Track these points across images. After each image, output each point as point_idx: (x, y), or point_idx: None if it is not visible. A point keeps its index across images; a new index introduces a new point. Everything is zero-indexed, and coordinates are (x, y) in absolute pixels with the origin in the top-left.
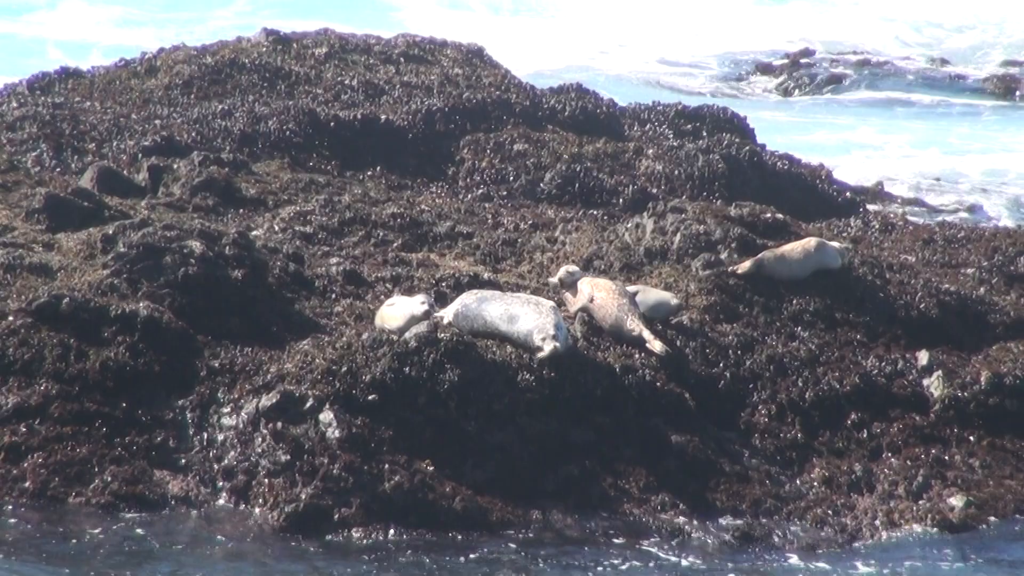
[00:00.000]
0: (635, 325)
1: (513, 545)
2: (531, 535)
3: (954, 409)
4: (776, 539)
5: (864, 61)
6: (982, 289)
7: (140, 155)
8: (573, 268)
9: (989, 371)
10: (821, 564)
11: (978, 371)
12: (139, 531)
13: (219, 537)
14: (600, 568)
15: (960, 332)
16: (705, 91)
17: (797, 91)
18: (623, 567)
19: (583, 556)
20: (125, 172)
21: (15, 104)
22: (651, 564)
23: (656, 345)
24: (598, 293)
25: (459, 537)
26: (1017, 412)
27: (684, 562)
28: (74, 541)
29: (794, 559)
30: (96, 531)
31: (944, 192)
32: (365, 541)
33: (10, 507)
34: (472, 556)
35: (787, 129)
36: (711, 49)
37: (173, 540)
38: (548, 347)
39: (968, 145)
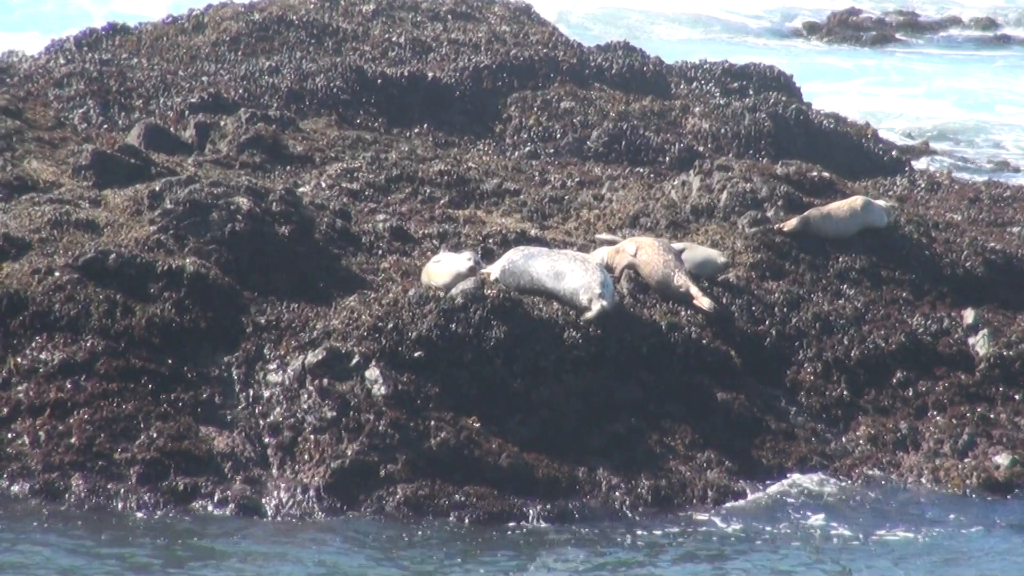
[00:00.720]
0: (682, 281)
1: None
2: (576, 495)
3: (999, 367)
4: (820, 496)
5: (911, 18)
6: None
7: (187, 112)
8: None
9: None
10: (864, 521)
11: (1023, 330)
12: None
13: (266, 494)
14: (643, 531)
15: (1006, 290)
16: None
17: (845, 45)
18: (669, 529)
19: (629, 520)
20: (172, 129)
21: (62, 61)
22: (695, 526)
23: (704, 301)
24: (642, 252)
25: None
26: None
27: (728, 524)
28: (120, 498)
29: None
30: (143, 487)
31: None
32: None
33: (56, 462)
34: (513, 522)
35: (835, 85)
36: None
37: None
38: (596, 307)
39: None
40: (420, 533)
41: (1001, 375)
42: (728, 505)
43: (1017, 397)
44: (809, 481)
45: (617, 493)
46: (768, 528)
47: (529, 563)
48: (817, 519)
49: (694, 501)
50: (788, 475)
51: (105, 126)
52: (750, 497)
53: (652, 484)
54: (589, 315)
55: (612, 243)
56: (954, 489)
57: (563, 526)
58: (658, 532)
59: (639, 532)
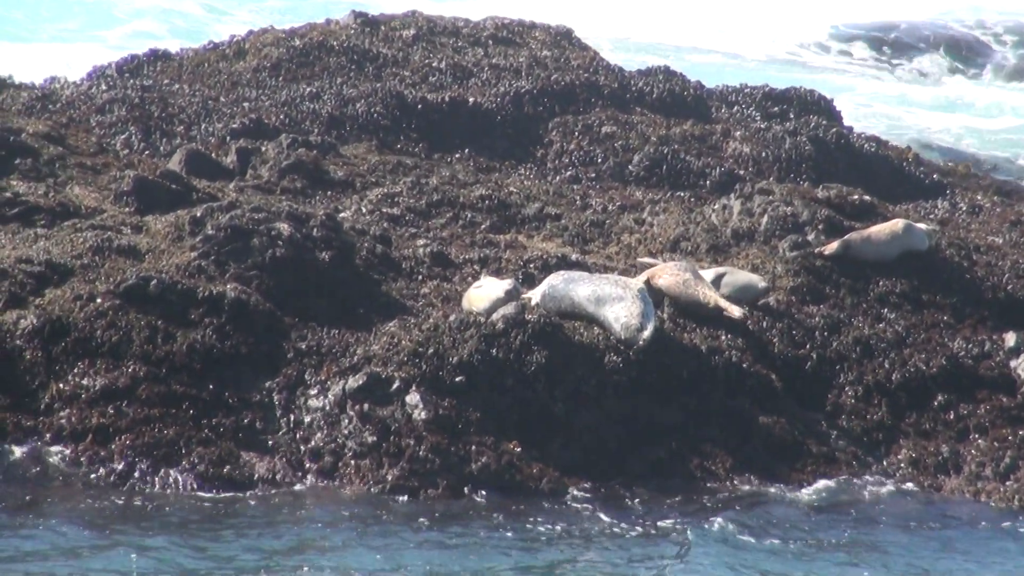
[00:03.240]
0: (707, 294)
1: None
2: (614, 508)
3: None
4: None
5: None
6: None
7: (228, 138)
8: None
9: None
10: (905, 540)
11: None
12: (227, 510)
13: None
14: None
15: None
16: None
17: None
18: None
19: (666, 528)
20: (213, 155)
21: (104, 87)
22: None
23: (734, 311)
24: (659, 279)
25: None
26: None
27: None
28: (162, 519)
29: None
30: (185, 510)
31: None
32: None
33: (99, 487)
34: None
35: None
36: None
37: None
38: (639, 341)
39: None
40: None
41: None
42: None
43: None
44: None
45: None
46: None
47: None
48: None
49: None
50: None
51: (147, 152)
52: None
53: (691, 507)
54: (633, 347)
55: (652, 267)
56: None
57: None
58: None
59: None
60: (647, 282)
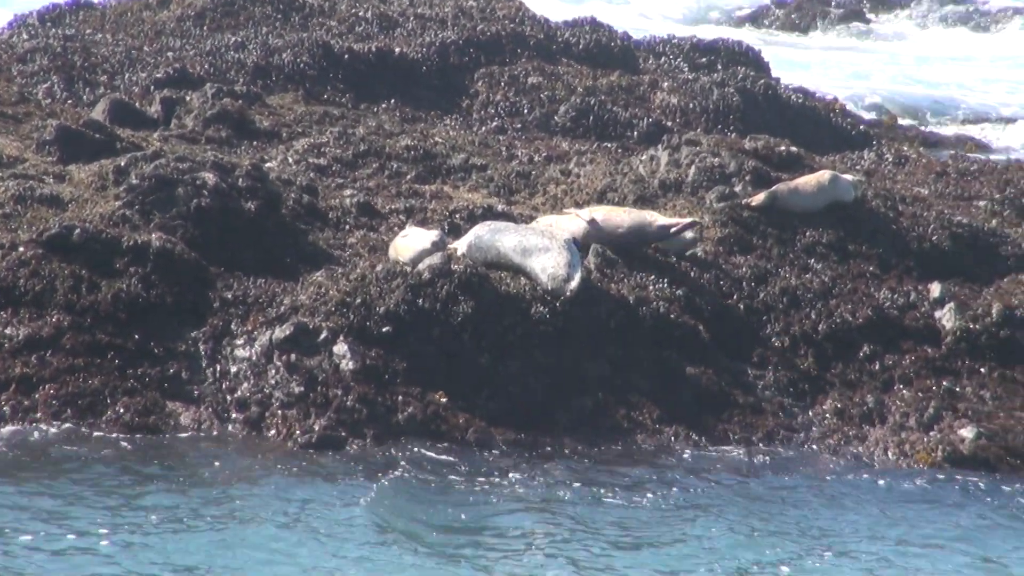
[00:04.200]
0: (654, 217)
1: (524, 465)
2: (543, 465)
3: (966, 341)
4: (787, 469)
5: None
6: (994, 221)
7: (153, 87)
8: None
9: (1001, 303)
10: (831, 493)
11: (990, 303)
12: (154, 459)
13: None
14: (611, 491)
15: (972, 264)
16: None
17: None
18: (634, 491)
19: (594, 479)
20: (137, 104)
21: (26, 36)
22: (661, 492)
23: (683, 221)
24: (598, 213)
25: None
26: None
27: (695, 491)
28: (86, 470)
29: (804, 489)
30: (109, 459)
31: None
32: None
33: (22, 438)
34: (481, 474)
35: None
36: None
37: (187, 467)
38: (566, 292)
39: None
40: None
41: (967, 349)
42: (694, 473)
43: (983, 371)
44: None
45: (584, 463)
46: (733, 496)
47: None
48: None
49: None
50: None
51: (69, 102)
52: (715, 468)
53: (619, 454)
54: (559, 297)
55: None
56: (919, 464)
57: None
58: (623, 502)
59: (607, 501)
60: (591, 221)
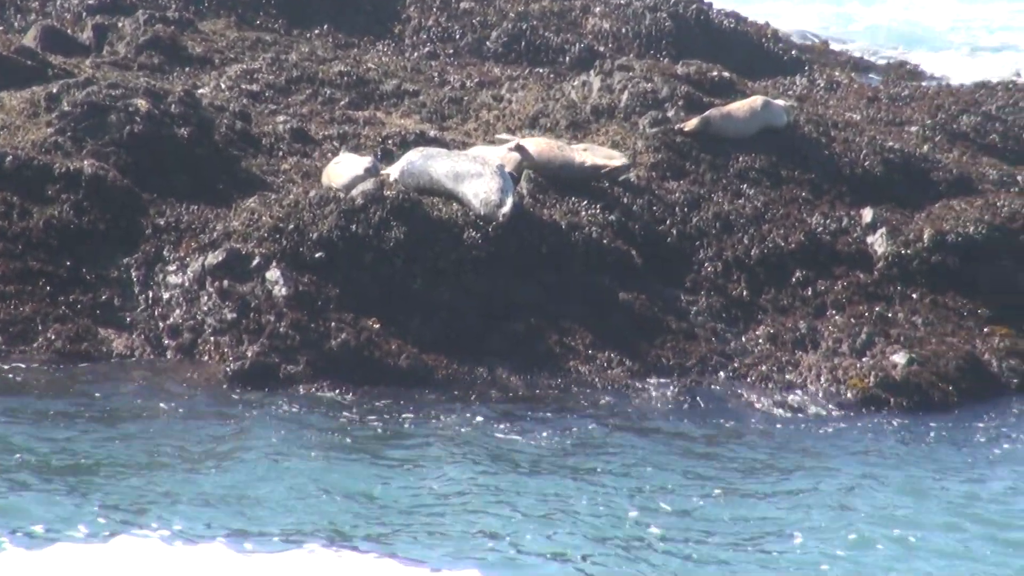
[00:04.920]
0: (583, 156)
1: (458, 404)
2: (476, 393)
3: (897, 267)
4: (721, 395)
5: None
6: (926, 147)
7: (84, 14)
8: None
9: (932, 228)
10: (763, 422)
11: (921, 229)
12: (86, 385)
13: (167, 390)
14: (545, 428)
15: (904, 190)
16: None
17: None
18: (569, 424)
19: (528, 414)
20: (69, 31)
21: None
22: (596, 422)
23: (615, 160)
24: (530, 145)
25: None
26: (959, 270)
27: (628, 419)
28: (19, 396)
29: (738, 416)
30: (43, 385)
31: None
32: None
33: None
34: (417, 415)
35: None
36: None
37: (121, 393)
38: (498, 217)
39: None
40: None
41: (899, 274)
42: (628, 403)
43: (915, 296)
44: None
45: (518, 392)
46: (667, 426)
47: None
48: (719, 418)
49: (596, 400)
50: (689, 374)
51: (0, 28)
52: (649, 395)
53: (552, 383)
54: (491, 223)
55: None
56: (852, 390)
57: (462, 420)
58: (556, 428)
59: (539, 429)
60: (518, 146)
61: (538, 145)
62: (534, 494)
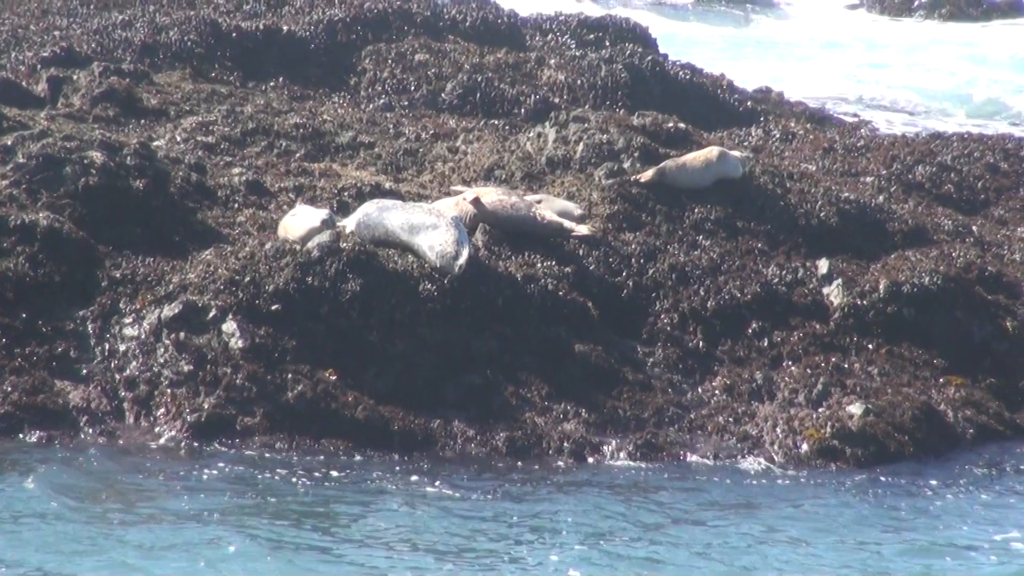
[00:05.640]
0: (543, 215)
1: (414, 457)
2: (432, 446)
3: (853, 317)
4: (678, 448)
5: None
6: (881, 197)
7: (39, 66)
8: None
9: (887, 279)
10: (723, 473)
11: (877, 279)
12: (42, 440)
13: (121, 444)
14: (501, 484)
15: (859, 240)
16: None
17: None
18: (525, 483)
19: (484, 471)
20: (24, 83)
21: None
22: (553, 478)
23: (581, 228)
24: (487, 197)
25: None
26: (915, 320)
27: (586, 474)
28: None
29: (696, 468)
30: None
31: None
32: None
33: None
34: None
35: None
36: None
37: (77, 449)
38: (454, 269)
39: None
40: (276, 480)
41: (855, 325)
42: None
43: (870, 347)
44: (666, 432)
45: (472, 445)
46: (629, 479)
47: (382, 510)
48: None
49: (550, 453)
50: (645, 426)
51: None
52: (606, 449)
53: (508, 436)
54: (447, 275)
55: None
56: (808, 440)
57: (419, 477)
58: (514, 482)
59: (495, 482)
60: (475, 200)
61: (493, 197)
62: (484, 550)
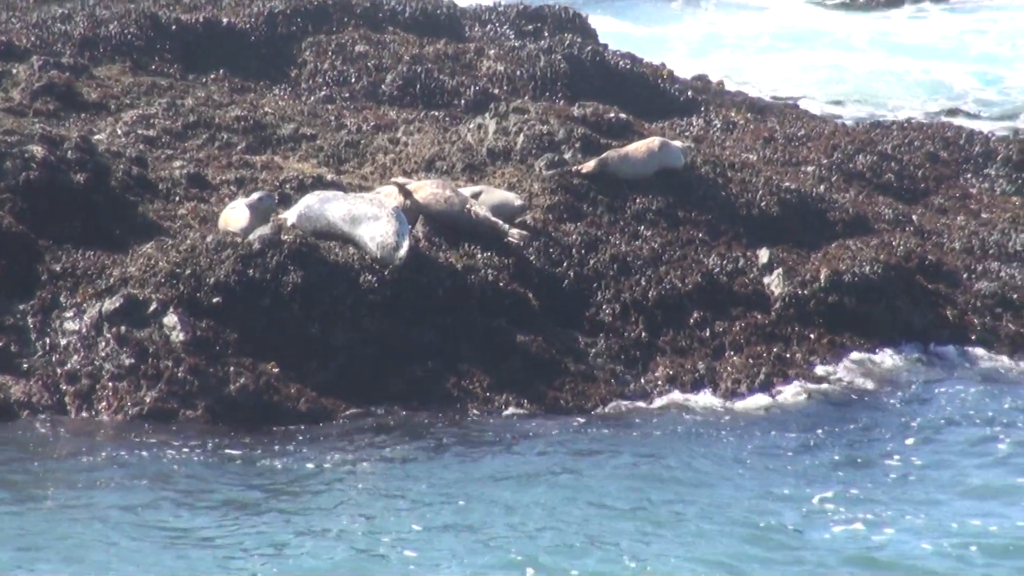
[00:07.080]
0: (479, 214)
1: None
2: (374, 437)
3: (794, 306)
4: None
5: None
6: (822, 187)
7: None
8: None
9: (828, 269)
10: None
11: (818, 269)
12: None
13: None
14: (443, 470)
15: (800, 230)
16: None
17: None
18: (466, 468)
19: (425, 457)
20: None
21: None
22: (495, 464)
23: (513, 235)
24: (422, 192)
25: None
26: (855, 309)
27: (528, 462)
28: None
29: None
30: None
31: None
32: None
33: None
34: (312, 456)
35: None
36: None
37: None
38: (395, 260)
39: None
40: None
41: (795, 314)
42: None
43: (811, 336)
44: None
45: (416, 436)
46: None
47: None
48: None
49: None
50: (588, 416)
51: None
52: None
53: (448, 427)
54: (387, 266)
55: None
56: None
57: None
58: (454, 473)
59: (436, 473)
60: (409, 194)
61: (427, 191)
62: (424, 540)
